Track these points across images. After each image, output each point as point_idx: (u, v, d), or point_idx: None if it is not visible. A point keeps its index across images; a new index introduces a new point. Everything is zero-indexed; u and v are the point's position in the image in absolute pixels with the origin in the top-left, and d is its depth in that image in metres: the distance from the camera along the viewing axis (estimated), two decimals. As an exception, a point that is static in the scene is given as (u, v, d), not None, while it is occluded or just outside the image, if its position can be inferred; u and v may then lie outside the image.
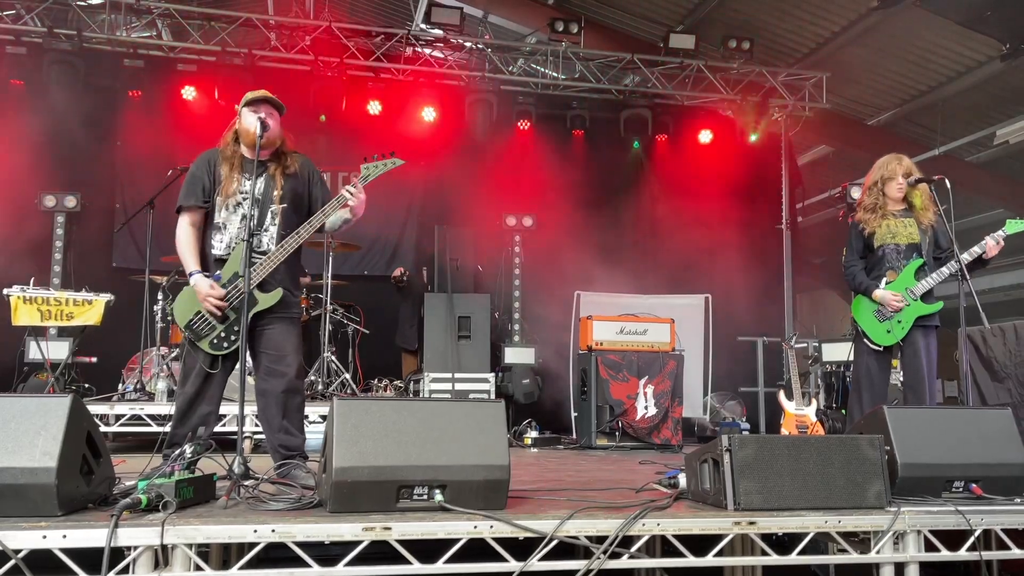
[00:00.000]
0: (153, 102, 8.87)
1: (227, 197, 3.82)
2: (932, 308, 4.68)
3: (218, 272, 3.81)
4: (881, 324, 4.72)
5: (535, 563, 2.75)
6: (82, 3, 8.80)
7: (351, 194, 3.86)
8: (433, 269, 8.30)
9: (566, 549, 2.86)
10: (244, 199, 3.81)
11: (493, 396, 7.50)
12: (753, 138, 10.26)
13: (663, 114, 10.16)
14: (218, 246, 3.85)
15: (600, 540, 2.81)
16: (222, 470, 3.27)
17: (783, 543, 3.18)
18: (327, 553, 2.75)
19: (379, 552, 2.74)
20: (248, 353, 3.81)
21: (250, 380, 4.56)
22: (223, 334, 3.78)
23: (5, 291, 6.36)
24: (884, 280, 4.76)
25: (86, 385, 7.13)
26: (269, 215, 3.85)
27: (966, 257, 4.53)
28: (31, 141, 8.45)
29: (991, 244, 4.56)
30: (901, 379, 4.86)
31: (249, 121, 3.82)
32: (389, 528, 2.69)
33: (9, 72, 8.52)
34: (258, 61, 9.13)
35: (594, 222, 9.51)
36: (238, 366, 3.96)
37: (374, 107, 9.37)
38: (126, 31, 8.96)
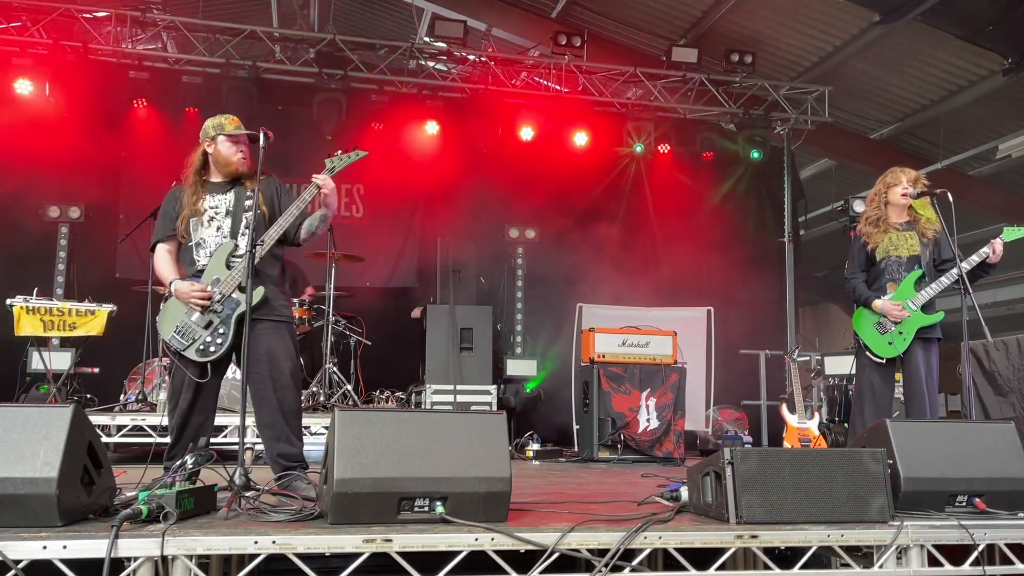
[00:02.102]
0: (157, 114, 8.91)
1: (200, 215, 3.89)
2: (933, 319, 4.67)
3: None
4: (882, 336, 4.71)
5: (536, 576, 2.75)
6: (88, 15, 8.85)
7: (321, 182, 3.89)
8: (435, 280, 8.30)
9: (567, 562, 2.85)
10: (217, 213, 3.90)
11: (495, 408, 7.49)
12: (755, 155, 10.28)
13: (665, 127, 10.20)
14: (202, 260, 3.89)
15: (602, 553, 2.80)
16: (223, 481, 3.26)
17: (785, 557, 3.16)
18: (328, 565, 2.74)
19: (380, 564, 2.73)
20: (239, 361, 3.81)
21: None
22: (208, 339, 3.78)
23: (8, 301, 6.37)
24: (887, 292, 4.76)
25: (88, 395, 7.13)
26: (244, 221, 3.90)
27: (965, 266, 4.52)
28: (35, 152, 8.49)
29: (998, 247, 4.55)
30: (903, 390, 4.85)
31: (229, 151, 3.92)
32: (390, 540, 2.68)
33: (14, 84, 8.56)
34: (262, 73, 9.17)
35: (596, 234, 9.53)
36: (235, 375, 3.96)
37: (378, 120, 9.39)
38: (131, 43, 9.02)
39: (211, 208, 3.91)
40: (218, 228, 3.90)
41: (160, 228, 4.02)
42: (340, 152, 4.09)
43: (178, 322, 3.81)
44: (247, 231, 3.84)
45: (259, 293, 3.77)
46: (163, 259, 3.98)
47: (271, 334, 3.82)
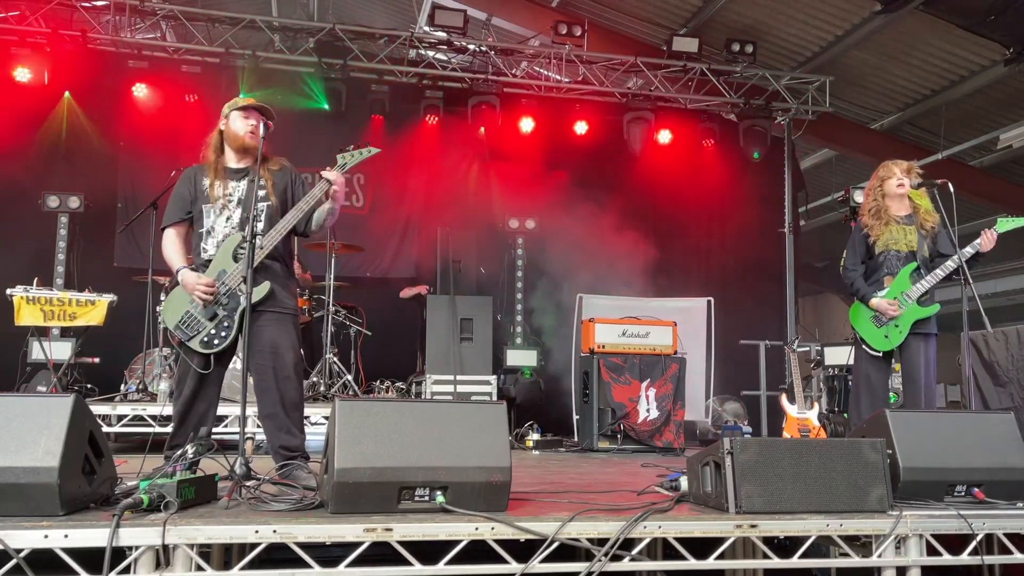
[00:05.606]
0: (156, 103, 8.89)
1: (213, 203, 3.87)
2: (929, 311, 4.67)
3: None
4: (879, 330, 4.72)
5: (536, 565, 2.75)
6: (87, 4, 8.81)
7: (333, 178, 3.87)
8: (436, 271, 8.29)
9: (567, 551, 2.86)
10: (230, 201, 3.86)
11: (495, 398, 7.49)
12: (756, 156, 10.29)
13: (666, 117, 10.17)
14: (210, 250, 3.87)
15: (601, 542, 2.81)
16: (224, 471, 3.27)
17: (785, 546, 3.17)
18: (328, 554, 2.75)
19: (380, 554, 2.74)
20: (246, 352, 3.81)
21: (250, 380, 4.57)
22: (213, 331, 3.77)
23: (8, 291, 6.37)
24: (885, 286, 4.76)
25: (88, 385, 7.14)
26: (254, 211, 3.85)
27: (964, 255, 4.52)
28: (34, 141, 8.47)
29: (988, 239, 4.56)
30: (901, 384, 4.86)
31: (239, 125, 3.88)
32: (391, 529, 2.69)
33: (13, 73, 8.53)
34: (261, 63, 9.14)
35: (597, 225, 9.51)
36: (237, 366, 3.96)
37: (378, 109, 9.37)
38: (130, 32, 8.99)
39: (224, 196, 3.87)
40: (228, 218, 3.86)
41: (170, 212, 3.97)
42: (352, 148, 4.06)
43: (183, 312, 3.80)
44: (257, 222, 3.81)
45: (264, 289, 3.76)
46: (171, 243, 3.94)
47: (275, 326, 3.82)
